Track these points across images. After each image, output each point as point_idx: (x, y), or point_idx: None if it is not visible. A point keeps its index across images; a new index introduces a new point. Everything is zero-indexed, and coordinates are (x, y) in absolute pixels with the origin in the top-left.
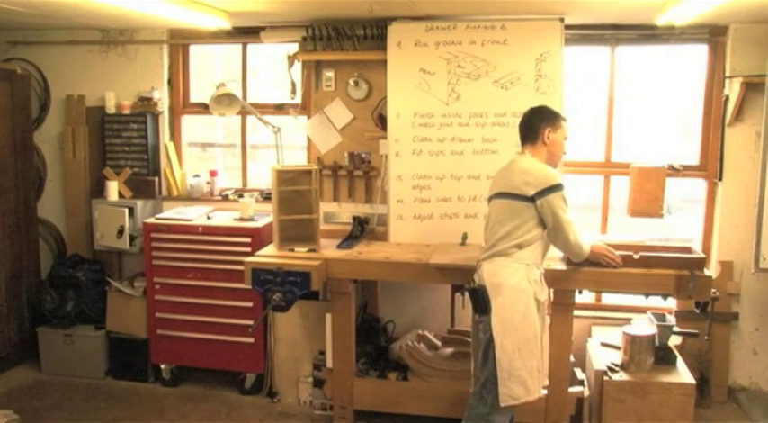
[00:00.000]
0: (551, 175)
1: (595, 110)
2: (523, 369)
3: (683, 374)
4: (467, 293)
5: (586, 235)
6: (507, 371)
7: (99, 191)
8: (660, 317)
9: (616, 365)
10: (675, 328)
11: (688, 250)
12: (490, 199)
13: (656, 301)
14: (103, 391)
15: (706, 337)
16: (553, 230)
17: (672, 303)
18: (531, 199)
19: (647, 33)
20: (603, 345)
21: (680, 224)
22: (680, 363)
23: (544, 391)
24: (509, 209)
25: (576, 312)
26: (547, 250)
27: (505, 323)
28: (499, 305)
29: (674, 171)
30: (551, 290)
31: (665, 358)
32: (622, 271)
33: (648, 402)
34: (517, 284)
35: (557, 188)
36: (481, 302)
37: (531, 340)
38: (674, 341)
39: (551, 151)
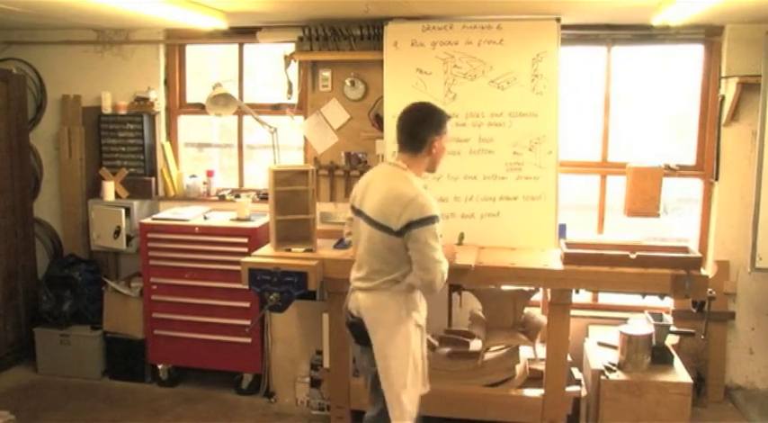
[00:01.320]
0: (425, 204)
1: (591, 110)
2: (410, 402)
3: (679, 374)
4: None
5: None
6: (398, 408)
7: (95, 191)
8: (657, 316)
9: (613, 365)
10: (672, 328)
11: (684, 250)
12: (359, 212)
13: (653, 301)
14: (100, 391)
15: (703, 337)
16: (418, 269)
17: (669, 303)
18: (400, 233)
19: (642, 33)
20: (600, 344)
21: (676, 224)
22: (677, 362)
23: None
24: (381, 242)
25: (572, 312)
26: None
27: (389, 360)
28: (380, 342)
29: (670, 171)
30: (549, 290)
31: (661, 358)
32: (619, 271)
33: (645, 402)
34: (397, 319)
35: (432, 220)
36: (362, 337)
37: (414, 366)
38: (671, 341)
39: (434, 159)
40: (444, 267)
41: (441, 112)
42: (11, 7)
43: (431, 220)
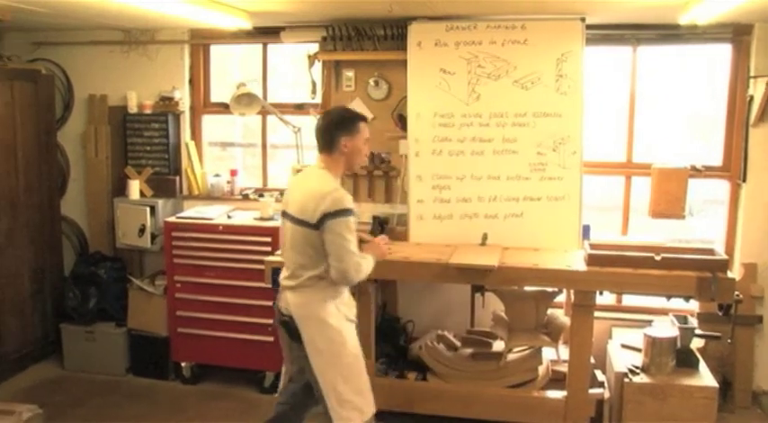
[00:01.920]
0: (339, 198)
1: (616, 110)
2: (352, 393)
3: (705, 378)
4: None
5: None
6: (336, 400)
7: (121, 189)
8: (682, 319)
9: (637, 367)
10: (697, 331)
11: (710, 252)
12: (285, 214)
13: (677, 304)
14: (124, 387)
15: (729, 341)
16: (333, 260)
17: (694, 306)
18: (317, 226)
19: (669, 33)
20: (624, 346)
21: (702, 226)
22: (702, 366)
23: None
24: (302, 237)
25: (596, 314)
26: None
27: (322, 355)
28: (310, 339)
29: (696, 172)
30: (572, 291)
31: (686, 361)
32: (644, 272)
33: (669, 406)
34: (327, 315)
35: (344, 213)
36: (294, 333)
37: (352, 363)
38: (697, 344)
39: (349, 159)
40: (357, 258)
41: (351, 115)
42: (39, 9)
43: (344, 212)
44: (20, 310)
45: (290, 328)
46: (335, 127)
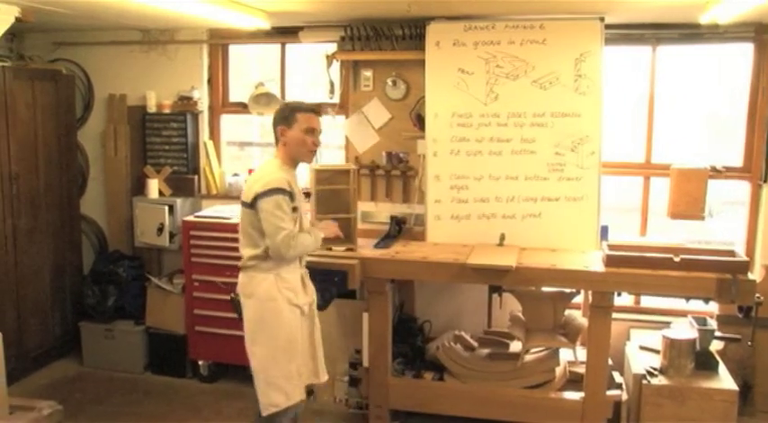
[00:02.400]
0: (270, 181)
1: (635, 110)
2: (280, 376)
3: (724, 380)
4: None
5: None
6: (264, 380)
7: (139, 188)
8: (701, 321)
9: (655, 369)
10: (717, 333)
11: (731, 253)
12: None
13: (696, 305)
14: (142, 385)
15: (749, 343)
16: (267, 236)
17: (713, 307)
18: (252, 205)
19: (689, 32)
20: (642, 348)
21: (721, 227)
22: (722, 368)
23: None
24: (244, 219)
25: (614, 315)
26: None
27: (256, 332)
28: (249, 316)
29: (715, 172)
30: (590, 292)
31: (706, 363)
32: (662, 274)
33: (688, 408)
34: (265, 294)
35: (272, 193)
36: (239, 313)
37: (285, 347)
38: (716, 346)
39: (291, 148)
40: (285, 234)
41: (290, 106)
42: (60, 9)
43: (274, 191)
44: (40, 308)
45: (236, 307)
46: (275, 119)
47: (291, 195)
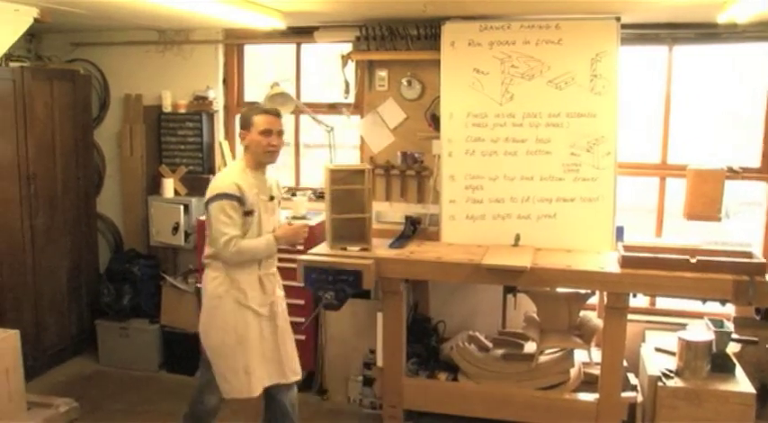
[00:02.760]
0: (217, 186)
1: (651, 110)
2: (227, 369)
3: (741, 383)
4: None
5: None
6: (215, 370)
7: (155, 188)
8: (717, 323)
9: (670, 371)
10: (734, 335)
11: (748, 255)
12: None
13: (713, 307)
14: (157, 383)
15: (767, 346)
16: (211, 241)
17: (730, 309)
18: (205, 209)
19: (706, 32)
20: (658, 350)
21: (738, 228)
22: (738, 371)
23: None
24: (206, 219)
25: (629, 316)
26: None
27: (205, 328)
28: (202, 312)
29: (733, 173)
30: (605, 293)
31: (722, 366)
32: (678, 275)
33: (704, 411)
34: (213, 292)
35: (217, 198)
36: None
37: (231, 345)
38: (733, 349)
39: (252, 151)
40: (227, 240)
41: (249, 110)
42: (78, 10)
43: (219, 196)
44: (57, 306)
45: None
46: (240, 123)
47: (240, 200)
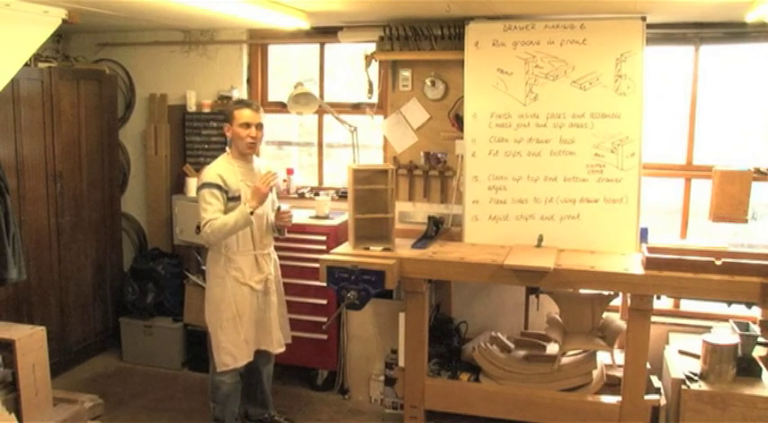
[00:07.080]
0: (202, 177)
1: (676, 110)
2: (228, 342)
3: None
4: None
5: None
6: (215, 345)
7: (179, 187)
8: (743, 326)
9: (695, 375)
10: (760, 339)
11: None
12: None
13: (738, 310)
14: (180, 381)
15: None
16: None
17: (756, 312)
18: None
19: (734, 31)
20: (682, 353)
21: (765, 230)
22: (765, 375)
23: None
24: None
25: (653, 318)
26: (257, 236)
27: (209, 305)
28: (206, 290)
29: (760, 175)
30: (629, 295)
31: (748, 370)
32: (704, 277)
33: (730, 415)
34: (213, 272)
35: (200, 188)
36: None
37: (230, 319)
38: (759, 352)
39: (235, 143)
40: (208, 224)
41: (230, 106)
42: (105, 11)
43: (201, 187)
44: (82, 304)
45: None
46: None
47: (221, 188)
